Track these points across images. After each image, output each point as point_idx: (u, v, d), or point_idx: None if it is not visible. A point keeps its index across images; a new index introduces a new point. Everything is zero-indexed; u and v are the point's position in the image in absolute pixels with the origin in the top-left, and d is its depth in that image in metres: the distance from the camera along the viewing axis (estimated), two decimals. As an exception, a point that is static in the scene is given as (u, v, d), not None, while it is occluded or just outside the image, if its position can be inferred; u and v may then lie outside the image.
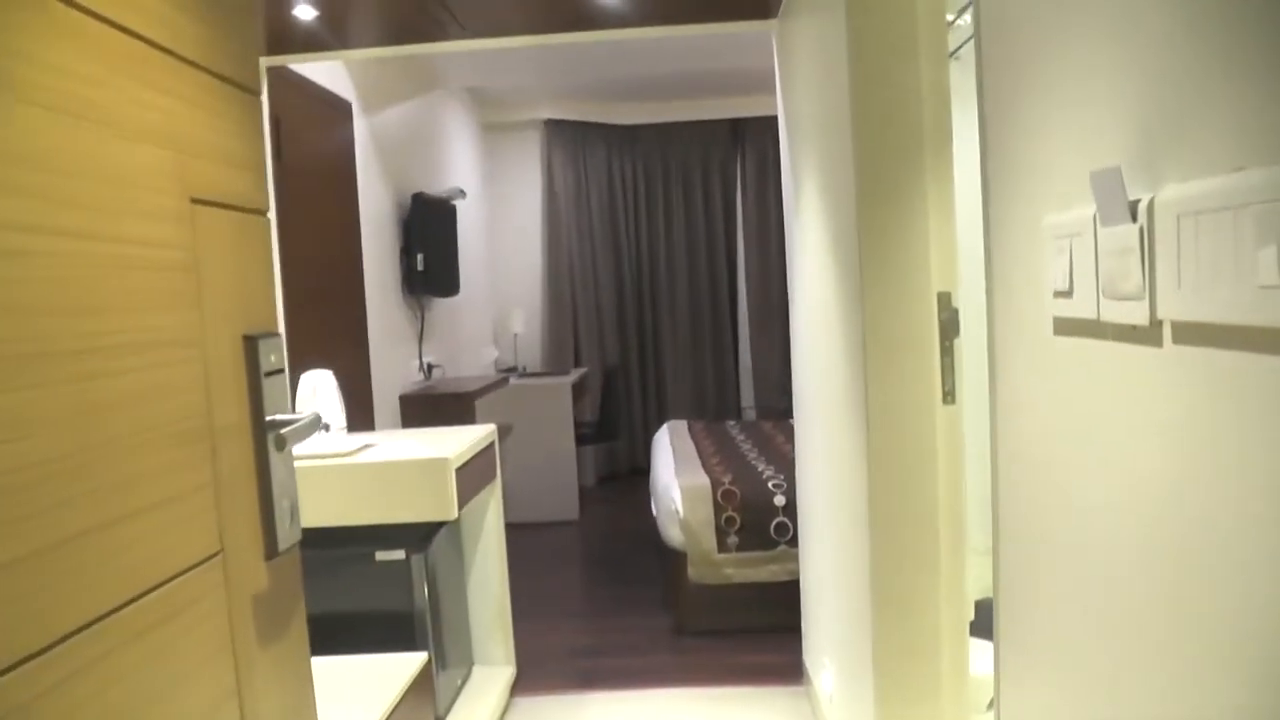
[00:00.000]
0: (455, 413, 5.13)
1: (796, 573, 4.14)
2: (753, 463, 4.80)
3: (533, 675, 3.97)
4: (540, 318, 8.04)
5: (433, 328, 5.85)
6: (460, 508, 3.13)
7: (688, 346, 8.20)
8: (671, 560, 4.43)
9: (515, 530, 6.60)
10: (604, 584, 5.24)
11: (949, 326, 2.31)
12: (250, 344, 1.39)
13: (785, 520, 4.21)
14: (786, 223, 3.76)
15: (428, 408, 5.15)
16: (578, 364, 7.95)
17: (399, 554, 3.19)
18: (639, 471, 8.13)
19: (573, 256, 7.90)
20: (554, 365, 7.89)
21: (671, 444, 5.50)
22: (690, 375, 8.22)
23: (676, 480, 4.45)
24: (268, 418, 1.41)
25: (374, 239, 4.87)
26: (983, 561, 1.90)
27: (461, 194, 5.85)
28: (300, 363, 3.69)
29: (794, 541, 4.18)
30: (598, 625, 4.58)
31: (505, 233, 8.05)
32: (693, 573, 4.22)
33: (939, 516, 2.36)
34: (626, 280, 8.15)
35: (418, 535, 3.29)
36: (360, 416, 4.54)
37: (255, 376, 1.39)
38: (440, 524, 3.34)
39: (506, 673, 3.73)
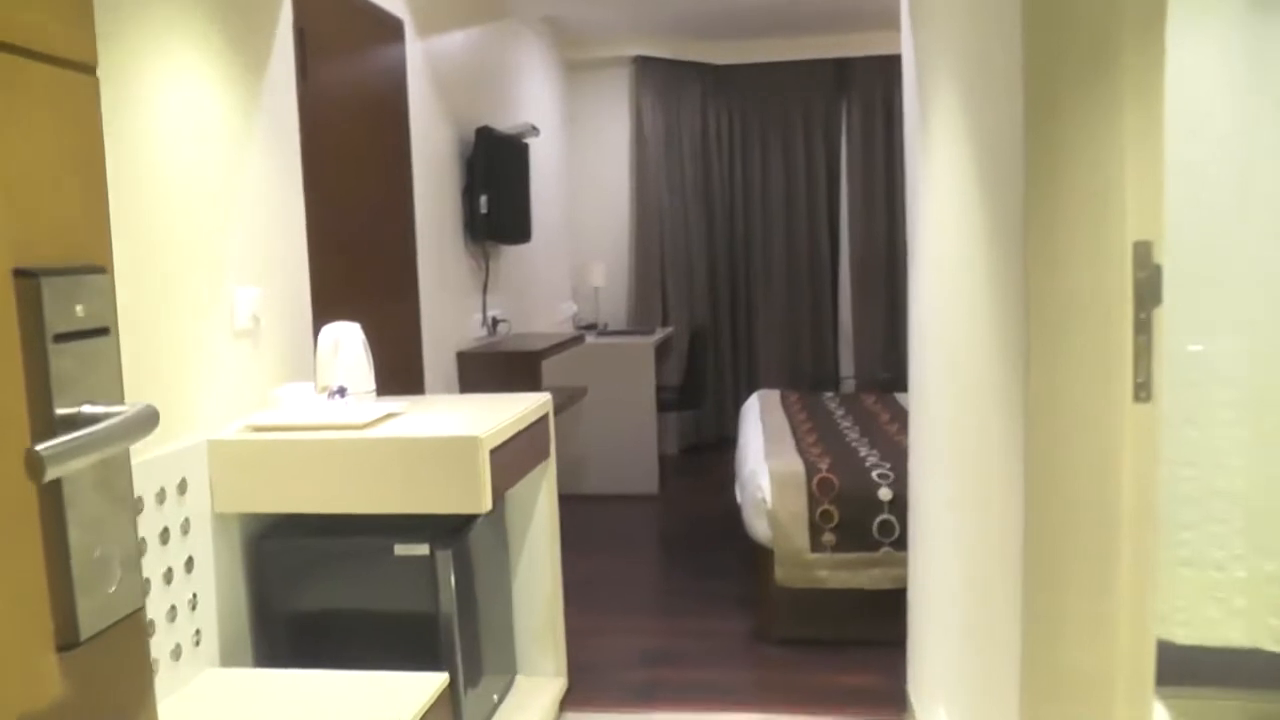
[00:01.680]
0: (519, 373, 4.57)
1: (902, 581, 3.50)
2: (854, 446, 4.16)
3: (587, 687, 3.42)
4: (625, 271, 7.45)
5: (499, 278, 5.30)
6: (497, 496, 2.56)
7: (782, 308, 7.54)
8: (756, 556, 3.83)
9: (587, 503, 6.11)
10: (678, 574, 4.66)
11: (1148, 291, 1.65)
12: (26, 284, 0.82)
13: (891, 518, 3.57)
14: (909, 167, 3.09)
15: (488, 367, 4.61)
16: (664, 323, 7.35)
17: (422, 548, 2.64)
18: (726, 442, 7.51)
19: (662, 206, 7.28)
20: (639, 323, 7.30)
21: (761, 417, 4.88)
22: (784, 340, 7.56)
23: (765, 464, 3.83)
24: (60, 411, 0.84)
25: (429, 178, 4.31)
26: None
27: (534, 131, 5.26)
28: (327, 318, 3.16)
29: (901, 544, 3.54)
30: (667, 625, 4.00)
31: (587, 178, 7.45)
32: (780, 573, 3.62)
33: (1121, 541, 1.71)
34: (718, 234, 7.51)
35: (447, 525, 2.74)
36: (407, 377, 4.01)
37: (36, 341, 0.82)
38: (476, 513, 2.78)
39: (555, 685, 3.18)
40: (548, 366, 6.16)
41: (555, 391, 5.56)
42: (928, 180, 2.68)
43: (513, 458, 2.72)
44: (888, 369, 7.39)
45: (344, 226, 3.47)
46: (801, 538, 3.59)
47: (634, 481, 6.20)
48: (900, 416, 4.87)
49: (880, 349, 7.44)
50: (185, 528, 2.46)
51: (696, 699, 3.29)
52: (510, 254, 5.49)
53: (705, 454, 7.29)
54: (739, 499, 4.18)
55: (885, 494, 3.59)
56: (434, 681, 2.36)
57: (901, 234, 7.33)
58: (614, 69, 7.34)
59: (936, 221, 2.58)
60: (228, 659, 2.65)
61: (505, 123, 5.27)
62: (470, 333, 4.84)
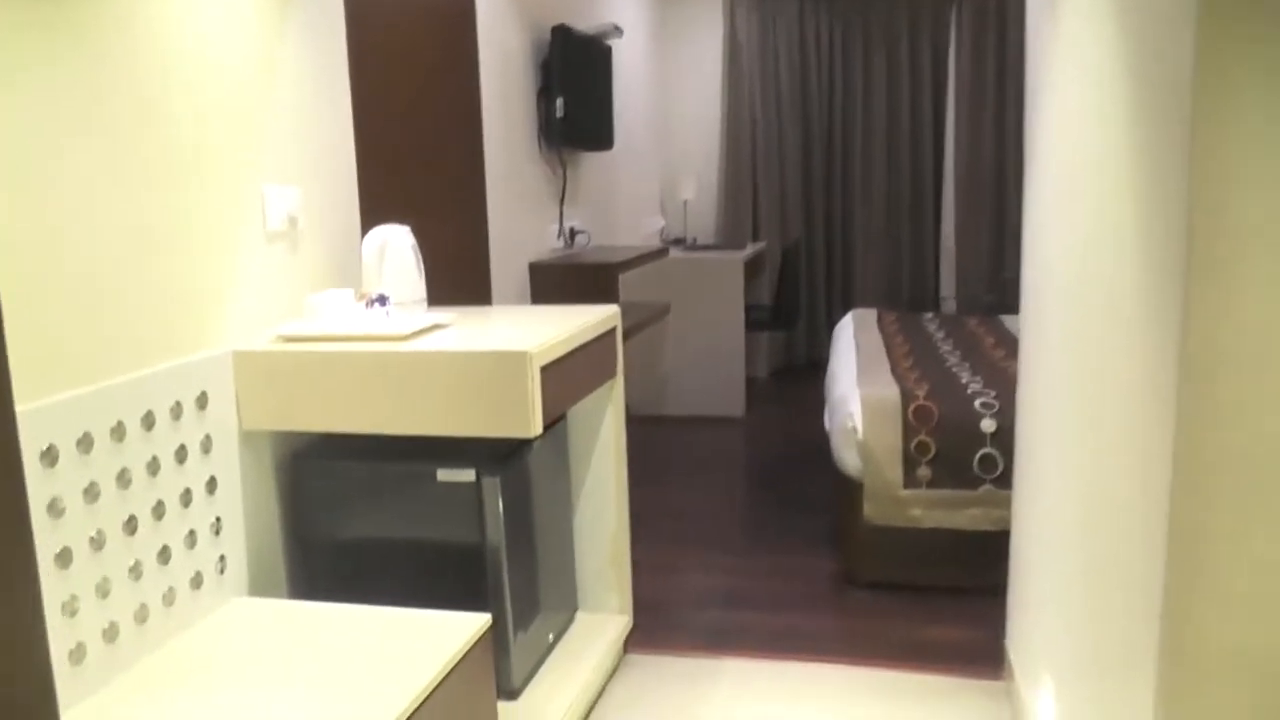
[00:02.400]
0: (596, 287, 4.28)
1: (1004, 523, 3.16)
2: (955, 372, 3.79)
3: (654, 627, 3.17)
4: (715, 185, 7.08)
5: (578, 188, 4.99)
6: (551, 419, 2.28)
7: (881, 225, 7.11)
8: (844, 489, 3.51)
9: (667, 426, 5.84)
10: (760, 506, 4.36)
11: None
12: None
13: (994, 453, 3.22)
14: (1030, 66, 2.68)
15: (562, 280, 4.32)
16: (756, 238, 6.99)
17: (468, 474, 2.38)
18: (818, 366, 7.17)
19: (756, 115, 6.87)
20: (729, 238, 6.95)
21: (855, 338, 4.53)
22: (882, 257, 7.14)
23: (857, 388, 3.49)
24: None
25: (499, 78, 4.00)
26: None
27: (617, 32, 4.90)
28: (380, 224, 2.91)
29: (1004, 481, 3.20)
30: (745, 562, 3.71)
31: (676, 87, 7.07)
32: (869, 510, 3.30)
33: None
34: (815, 146, 7.08)
35: (499, 450, 2.48)
36: (474, 289, 3.74)
37: None
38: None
39: (619, 624, 2.92)
40: (629, 282, 5.87)
41: (637, 308, 5.28)
42: (1055, 79, 2.29)
43: (571, 376, 2.43)
44: (992, 290, 6.95)
45: (400, 129, 3.19)
46: (894, 471, 3.26)
47: (718, 404, 5.91)
48: (1007, 342, 4.47)
49: (985, 269, 6.98)
50: (206, 445, 2.23)
51: (772, 646, 3.02)
52: (591, 163, 5.17)
53: (796, 378, 6.96)
54: (827, 426, 3.85)
55: (989, 426, 3.23)
56: (474, 624, 2.11)
57: (1011, 150, 6.84)
58: (708, -32, 6.90)
59: (1063, 125, 2.19)
60: (260, 588, 2.44)
61: (585, 23, 4.91)
62: (545, 244, 4.55)
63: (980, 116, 6.87)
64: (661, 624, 3.19)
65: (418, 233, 3.30)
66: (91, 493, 1.90)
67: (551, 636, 2.74)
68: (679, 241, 6.73)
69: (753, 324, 6.06)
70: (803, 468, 4.84)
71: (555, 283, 4.32)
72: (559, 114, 4.35)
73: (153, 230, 2.09)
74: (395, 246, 2.73)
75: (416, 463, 2.42)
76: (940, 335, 4.68)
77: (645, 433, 5.63)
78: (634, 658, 2.96)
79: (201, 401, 2.21)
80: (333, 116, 2.79)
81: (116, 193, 1.99)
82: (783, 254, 6.07)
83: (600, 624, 2.91)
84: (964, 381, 3.58)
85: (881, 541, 3.34)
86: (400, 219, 3.16)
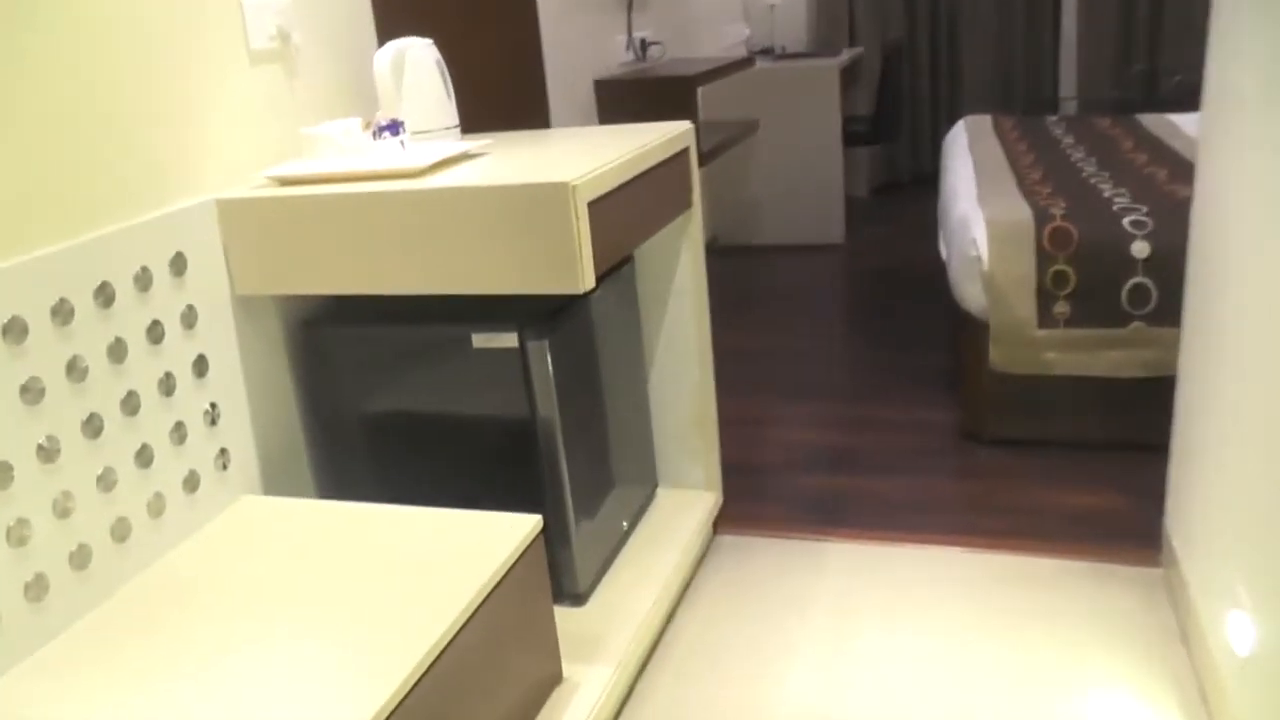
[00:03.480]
0: (671, 103, 3.75)
1: (1159, 366, 2.66)
2: (1094, 184, 3.21)
3: (746, 499, 2.76)
4: (805, -17, 6.35)
5: (649, -10, 4.40)
6: (605, 267, 1.82)
7: (991, 16, 6.32)
8: (965, 329, 3.01)
9: (758, 256, 5.33)
10: (866, 345, 3.88)
11: None
12: None
13: (1146, 282, 2.68)
14: None
15: (632, 96, 3.80)
16: (852, 43, 6.29)
17: (508, 338, 1.95)
18: (925, 181, 6.54)
19: (849, -101, 6.08)
20: (822, 45, 6.26)
21: (970, 149, 3.93)
22: (994, 55, 6.38)
23: (980, 208, 2.95)
24: None
25: None
26: None
27: None
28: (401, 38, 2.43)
29: (1159, 317, 2.67)
30: (850, 414, 3.26)
31: None
32: (996, 354, 2.80)
33: None
34: (919, -70, 6.27)
35: (548, 304, 2.04)
36: (527, 112, 3.25)
37: None
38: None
39: (705, 501, 2.52)
40: (711, 97, 5.28)
41: (720, 126, 4.73)
42: None
43: (632, 210, 1.96)
44: (1120, 85, 6.18)
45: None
46: (1026, 308, 2.74)
47: (815, 229, 5.37)
48: (1148, 144, 3.84)
49: (1110, 62, 6.19)
50: (189, 318, 1.83)
51: (883, 522, 2.59)
52: (661, -41, 4.55)
53: (901, 195, 6.35)
54: (944, 254, 3.33)
55: (1141, 249, 2.68)
56: (521, 528, 1.72)
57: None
58: None
59: None
60: (277, 483, 2.08)
61: None
62: (613, 58, 4.01)
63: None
64: (755, 494, 2.78)
65: (456, 49, 2.80)
66: (32, 390, 1.51)
67: (626, 524, 2.34)
68: (766, 51, 6.07)
69: (850, 138, 5.45)
70: (913, 300, 4.32)
71: (625, 100, 3.80)
72: (619, -99, 3.75)
73: (99, 53, 1.64)
74: (415, 62, 2.25)
75: (448, 325, 1.99)
76: (1069, 141, 4.06)
77: (733, 265, 5.14)
78: (725, 539, 2.57)
79: (178, 265, 1.80)
80: (329, -97, 2.28)
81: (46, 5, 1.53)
82: (883, 57, 5.40)
83: (684, 501, 2.51)
84: (1106, 195, 3.01)
85: (1009, 390, 2.86)
86: (432, 33, 2.67)
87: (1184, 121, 4.29)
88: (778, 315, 4.31)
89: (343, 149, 2.05)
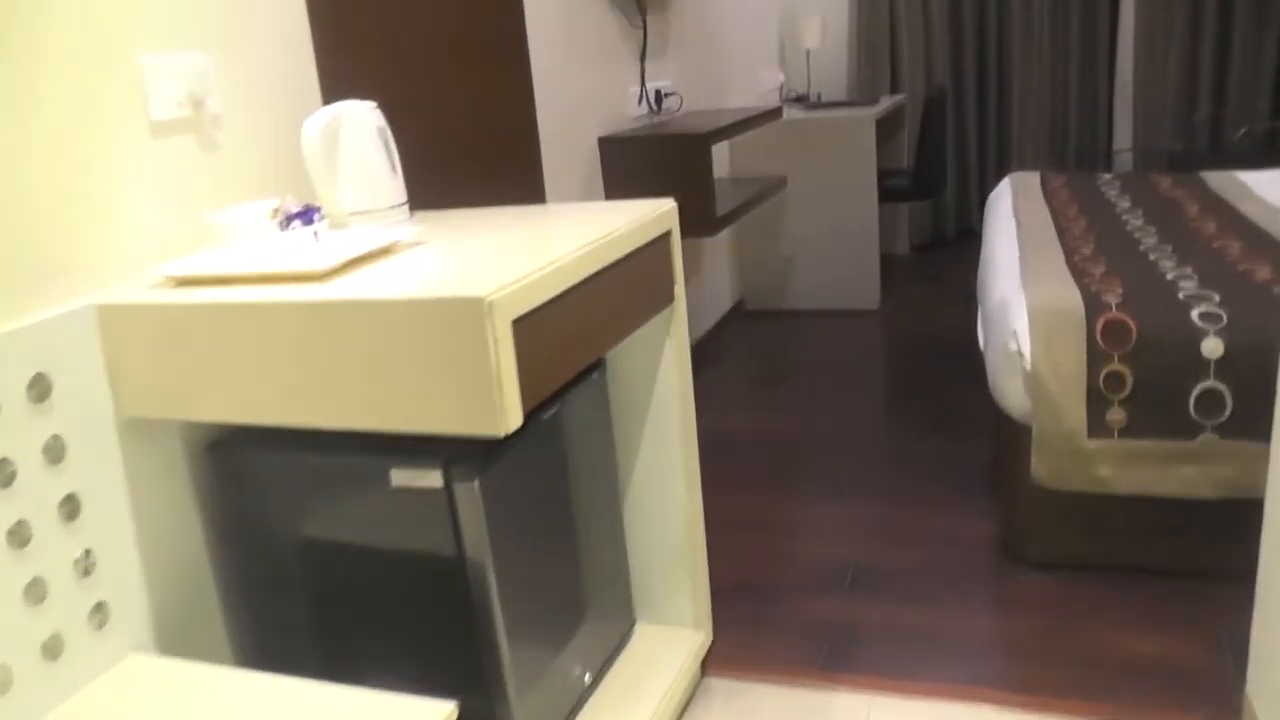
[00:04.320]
0: (683, 162, 3.42)
1: (1236, 486, 2.27)
2: (1155, 261, 2.82)
3: (743, 634, 2.38)
4: (845, 28, 6.01)
5: (666, 39, 4.07)
6: (541, 397, 1.48)
7: (1044, 60, 5.93)
8: (1007, 429, 2.63)
9: (788, 321, 4.95)
10: (898, 429, 3.50)
11: None
12: None
13: (1220, 387, 2.28)
14: None
15: (639, 156, 3.46)
16: (894, 90, 5.93)
17: (432, 476, 1.61)
18: (971, 235, 6.15)
19: (890, -61, 5.74)
20: (862, 92, 5.91)
21: (1015, 213, 3.55)
22: (1045, 102, 5.99)
23: (1022, 292, 2.57)
24: None
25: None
26: None
27: None
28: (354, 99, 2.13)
29: (1235, 428, 2.27)
30: (874, 520, 2.88)
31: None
32: (1040, 467, 2.41)
33: None
34: (965, -29, 5.91)
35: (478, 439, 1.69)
36: (517, 176, 2.93)
37: None
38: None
39: (691, 642, 2.15)
40: (740, 150, 4.95)
41: (746, 183, 4.39)
42: None
43: (582, 318, 1.61)
44: (1181, 137, 5.75)
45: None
46: (1076, 414, 2.36)
47: (849, 293, 5.00)
48: (1216, 209, 3.44)
49: (1171, 111, 5.77)
50: (55, 452, 1.52)
51: (904, 666, 2.20)
52: (683, 6, 4.23)
53: (944, 252, 5.96)
54: (981, 342, 2.96)
55: (1213, 348, 2.29)
56: (432, 715, 1.37)
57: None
58: None
59: None
60: (178, 636, 1.75)
61: None
62: (623, 110, 3.68)
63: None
64: (755, 623, 2.41)
65: (428, 105, 2.48)
66: None
67: (589, 675, 1.98)
68: (801, 99, 5.73)
69: (888, 193, 5.09)
70: (954, 376, 3.94)
71: (632, 160, 3.47)
72: (629, -57, 3.43)
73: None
74: (352, 131, 1.93)
75: (364, 456, 1.65)
76: (1125, 204, 3.66)
77: (760, 332, 4.78)
78: (715, 683, 2.20)
79: (39, 388, 1.48)
80: (256, -50, 1.98)
81: None
82: (924, 105, 5.04)
83: (666, 641, 2.14)
84: (1170, 277, 2.62)
85: (1057, 507, 2.47)
86: (397, 89, 2.36)
87: (1255, 181, 3.88)
88: (803, 392, 3.94)
89: (253, 240, 1.73)
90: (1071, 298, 2.46)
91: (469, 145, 2.69)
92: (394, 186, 1.98)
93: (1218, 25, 5.62)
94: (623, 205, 1.94)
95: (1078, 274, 2.67)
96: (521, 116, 2.97)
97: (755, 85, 5.33)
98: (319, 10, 2.16)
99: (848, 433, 3.50)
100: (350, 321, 1.41)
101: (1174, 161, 5.59)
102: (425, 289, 1.39)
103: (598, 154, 3.46)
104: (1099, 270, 2.71)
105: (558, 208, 2.03)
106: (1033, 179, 4.18)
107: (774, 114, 4.14)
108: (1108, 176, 4.21)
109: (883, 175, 5.14)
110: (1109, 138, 5.97)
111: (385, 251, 1.70)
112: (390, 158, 1.98)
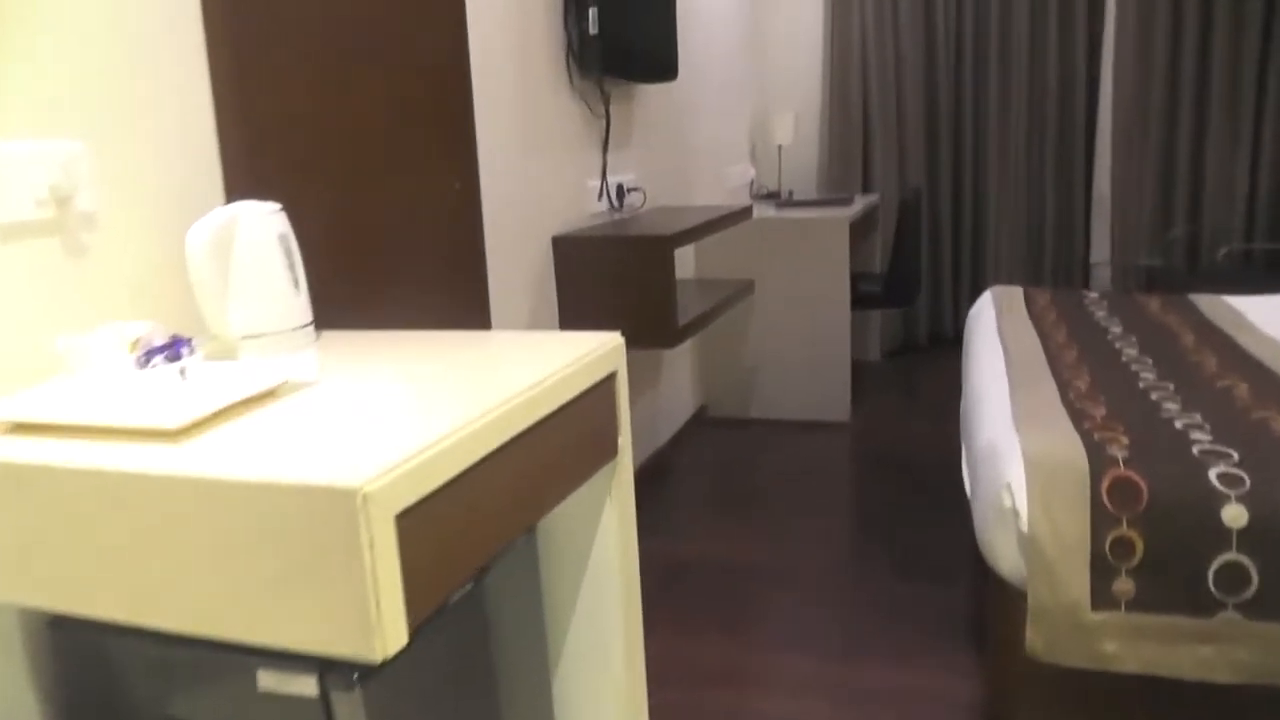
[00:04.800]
0: (643, 266, 3.14)
1: (1260, 672, 1.98)
2: (1159, 404, 2.55)
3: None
4: (818, 123, 5.82)
5: (630, 131, 3.83)
6: (437, 604, 1.17)
7: (1020, 167, 5.77)
8: (995, 588, 2.34)
9: (753, 432, 4.63)
10: (868, 564, 3.20)
11: None
12: None
13: (1243, 560, 2.00)
14: None
15: (595, 258, 3.19)
16: (867, 189, 5.73)
17: (305, 683, 1.28)
18: (943, 342, 5.92)
19: (867, 38, 5.58)
20: (834, 190, 5.70)
21: (1000, 333, 3.30)
22: (1021, 211, 5.81)
23: (1016, 435, 2.29)
24: None
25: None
26: None
27: (680, -84, 3.69)
28: (275, 198, 1.83)
29: (1261, 608, 1.99)
30: (841, 674, 2.56)
31: None
32: (1036, 640, 2.11)
33: None
34: (940, 71, 5.75)
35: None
36: (454, 277, 2.64)
37: None
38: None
39: None
40: (705, 250, 4.70)
41: (710, 287, 4.12)
42: None
43: (498, 494, 1.30)
44: (1158, 254, 5.58)
45: (310, 42, 2.07)
46: (1078, 583, 2.06)
47: (818, 404, 4.72)
48: (1212, 339, 3.20)
49: (1148, 226, 5.61)
50: None
51: None
52: (648, 98, 4.00)
53: (917, 360, 5.72)
54: (966, 485, 2.67)
55: (1235, 516, 2.01)
56: None
57: (1189, 66, 5.41)
58: None
59: None
60: None
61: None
62: (582, 206, 3.42)
63: (1150, 22, 5.46)
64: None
65: (357, 204, 2.19)
66: None
67: None
68: (772, 196, 5.52)
69: (861, 299, 4.84)
70: (930, 507, 3.65)
71: (588, 262, 3.19)
72: (592, 30, 3.19)
73: None
74: (248, 238, 1.64)
75: (228, 652, 1.32)
76: (1116, 330, 3.42)
77: (722, 443, 4.49)
78: None
79: None
80: (156, 22, 1.70)
81: None
82: (899, 208, 4.83)
83: None
84: (1179, 426, 2.35)
85: (1054, 679, 2.16)
86: (319, 183, 2.06)
87: (1248, 308, 3.66)
88: (766, 516, 3.63)
89: (111, 374, 1.42)
90: (1073, 449, 2.18)
91: (404, 249, 2.40)
92: (296, 305, 1.68)
93: (1192, 145, 5.48)
94: (562, 339, 1.65)
95: (1076, 416, 2.40)
96: (465, 215, 2.68)
97: (724, 180, 5.11)
98: (227, 93, 1.87)
99: (815, 567, 3.19)
100: (194, 504, 1.10)
101: (1153, 278, 5.41)
102: (288, 469, 1.07)
103: (551, 254, 3.18)
104: (1099, 412, 2.44)
105: (486, 338, 1.73)
106: (1015, 295, 3.93)
107: (743, 214, 3.90)
108: (1094, 295, 3.98)
109: (855, 279, 4.90)
110: (1086, 250, 5.80)
111: (265, 397, 1.39)
112: (293, 270, 1.68)
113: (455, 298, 2.63)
